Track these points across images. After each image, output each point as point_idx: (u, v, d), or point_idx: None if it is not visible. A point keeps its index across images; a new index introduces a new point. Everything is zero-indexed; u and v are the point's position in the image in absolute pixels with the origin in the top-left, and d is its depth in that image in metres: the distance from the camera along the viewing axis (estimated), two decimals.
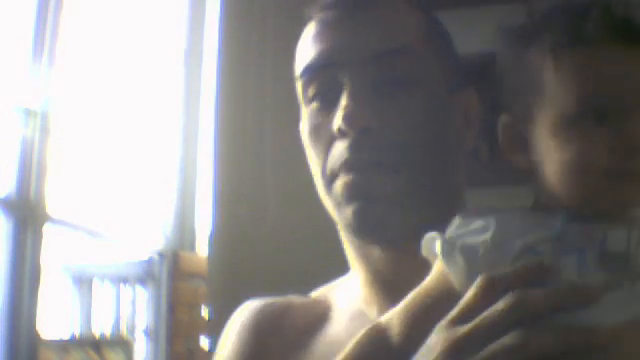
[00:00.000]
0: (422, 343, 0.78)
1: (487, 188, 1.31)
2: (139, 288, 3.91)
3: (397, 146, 0.96)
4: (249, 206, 1.86)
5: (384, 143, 0.96)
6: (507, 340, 0.72)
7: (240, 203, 1.87)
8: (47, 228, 3.15)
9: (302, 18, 1.06)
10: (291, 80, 1.06)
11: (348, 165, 0.97)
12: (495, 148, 0.87)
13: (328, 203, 1.01)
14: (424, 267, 0.86)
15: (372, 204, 0.96)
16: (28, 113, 3.09)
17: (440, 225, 0.84)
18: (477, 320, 0.74)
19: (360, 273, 1.04)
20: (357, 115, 0.96)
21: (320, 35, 1.01)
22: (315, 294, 1.13)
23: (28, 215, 3.07)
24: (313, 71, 1.01)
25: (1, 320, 2.97)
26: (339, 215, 1.00)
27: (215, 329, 1.84)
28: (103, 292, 3.86)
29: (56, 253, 3.46)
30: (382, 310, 0.94)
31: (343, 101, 0.97)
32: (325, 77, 1.00)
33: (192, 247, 3.99)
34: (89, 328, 3.78)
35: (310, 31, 1.03)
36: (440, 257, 0.82)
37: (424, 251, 0.85)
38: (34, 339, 3.05)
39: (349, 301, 1.06)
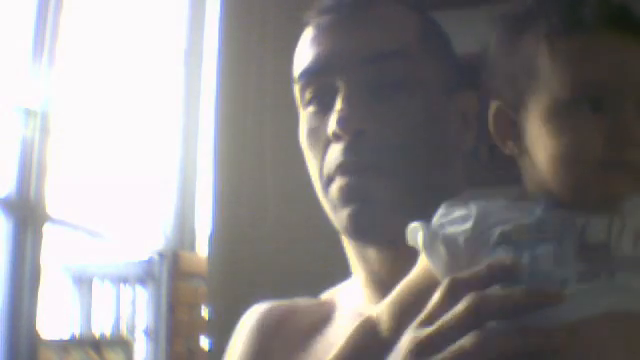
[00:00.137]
0: None
1: (487, 188, 1.31)
2: (139, 288, 3.90)
3: (393, 148, 0.96)
4: (249, 206, 1.86)
5: (379, 146, 0.96)
6: (464, 342, 0.72)
7: (240, 203, 1.87)
8: (47, 228, 3.15)
9: (302, 19, 1.06)
10: (291, 80, 1.07)
11: (343, 168, 0.97)
12: (495, 148, 0.86)
13: (326, 205, 1.02)
14: None
15: (367, 207, 0.97)
16: (28, 113, 3.09)
17: None
18: (439, 322, 0.75)
19: (360, 274, 1.05)
20: (351, 119, 0.96)
21: (316, 39, 1.02)
22: (323, 296, 1.14)
23: (28, 215, 3.07)
24: (309, 75, 1.02)
25: (1, 320, 2.97)
26: (336, 217, 1.00)
27: (215, 329, 1.85)
28: (103, 292, 3.86)
29: (56, 253, 3.46)
30: None
31: (338, 105, 0.98)
32: (321, 81, 1.01)
33: (192, 247, 3.99)
34: (89, 328, 3.78)
35: (307, 35, 1.04)
36: (422, 249, 0.81)
37: (410, 241, 0.84)
38: (34, 339, 3.05)
39: (352, 302, 1.07)
